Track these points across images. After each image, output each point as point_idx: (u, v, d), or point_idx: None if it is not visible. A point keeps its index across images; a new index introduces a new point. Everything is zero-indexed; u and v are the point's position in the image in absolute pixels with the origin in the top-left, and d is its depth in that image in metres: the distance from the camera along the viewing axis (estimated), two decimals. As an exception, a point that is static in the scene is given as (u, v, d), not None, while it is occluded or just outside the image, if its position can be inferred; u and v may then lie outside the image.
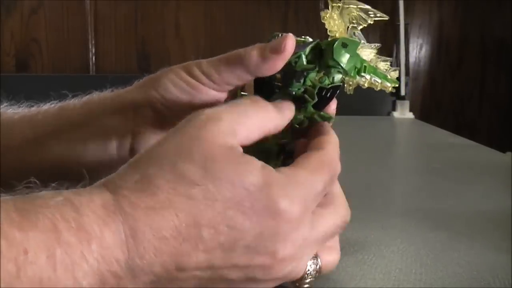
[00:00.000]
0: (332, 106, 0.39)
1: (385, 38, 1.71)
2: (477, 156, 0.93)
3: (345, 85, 0.39)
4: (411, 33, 1.74)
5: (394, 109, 1.58)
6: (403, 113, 1.56)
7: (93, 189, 0.30)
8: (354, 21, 0.40)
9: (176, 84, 0.41)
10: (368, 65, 0.39)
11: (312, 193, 0.33)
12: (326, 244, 0.36)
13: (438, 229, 0.50)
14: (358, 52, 0.38)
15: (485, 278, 0.39)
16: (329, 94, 0.38)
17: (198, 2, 1.70)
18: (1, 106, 0.50)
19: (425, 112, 1.78)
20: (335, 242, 0.38)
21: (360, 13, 0.40)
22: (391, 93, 1.61)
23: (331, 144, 0.36)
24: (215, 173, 0.31)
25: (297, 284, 0.35)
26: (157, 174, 0.30)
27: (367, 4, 0.40)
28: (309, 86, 0.38)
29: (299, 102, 0.38)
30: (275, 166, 0.33)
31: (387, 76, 0.41)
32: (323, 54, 0.38)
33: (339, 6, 0.40)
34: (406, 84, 1.61)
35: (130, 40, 1.69)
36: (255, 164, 0.32)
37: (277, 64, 0.37)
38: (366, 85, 0.40)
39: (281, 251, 0.31)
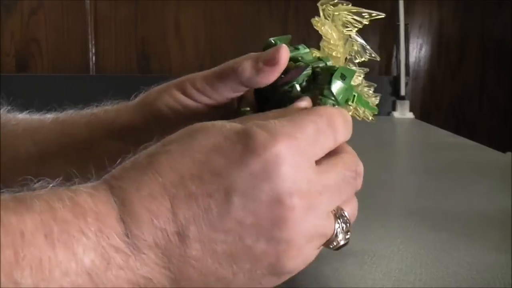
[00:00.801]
0: None
1: (385, 38, 1.71)
2: (477, 156, 0.93)
3: None
4: (411, 33, 1.74)
5: (394, 109, 1.58)
6: (403, 113, 1.56)
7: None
8: (347, 25, 0.39)
9: (171, 107, 0.41)
10: (358, 95, 0.38)
11: (300, 132, 0.30)
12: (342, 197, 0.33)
13: (438, 229, 0.50)
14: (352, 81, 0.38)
15: (485, 278, 0.39)
16: None
17: (198, 2, 1.70)
18: (1, 110, 0.50)
19: (425, 112, 1.78)
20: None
21: (353, 17, 0.39)
22: (391, 93, 1.61)
23: (327, 106, 0.34)
24: (193, 130, 0.30)
25: (334, 244, 0.32)
26: (140, 152, 0.31)
27: (367, 5, 0.40)
28: None
29: None
30: None
31: (368, 103, 0.40)
32: (317, 77, 0.37)
33: (330, 12, 0.39)
34: (406, 84, 1.61)
35: (130, 40, 1.69)
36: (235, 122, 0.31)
37: (271, 76, 0.37)
38: (350, 113, 0.39)
39: (287, 198, 0.28)
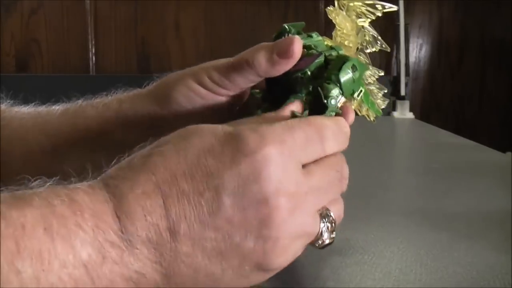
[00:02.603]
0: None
1: (385, 38, 1.71)
2: (477, 156, 0.93)
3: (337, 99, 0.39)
4: (411, 33, 1.74)
5: (394, 109, 1.58)
6: (403, 113, 1.56)
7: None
8: (361, 16, 0.40)
9: (188, 98, 0.41)
10: (365, 92, 0.39)
11: (289, 137, 0.31)
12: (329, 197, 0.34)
13: (438, 229, 0.50)
14: (363, 77, 0.38)
15: (485, 278, 0.39)
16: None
17: (198, 2, 1.70)
18: (4, 104, 0.50)
19: (425, 112, 1.78)
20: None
21: (367, 8, 0.40)
22: (391, 93, 1.61)
23: (319, 116, 0.35)
24: (187, 132, 0.32)
25: (319, 242, 0.34)
26: (135, 153, 0.32)
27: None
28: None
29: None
30: None
31: (374, 104, 0.40)
32: (328, 65, 0.38)
33: (344, 3, 0.40)
34: (406, 84, 1.61)
35: (130, 40, 1.69)
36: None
37: (285, 67, 0.38)
38: (353, 106, 0.39)
39: (273, 198, 0.30)
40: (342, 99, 0.38)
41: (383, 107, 0.41)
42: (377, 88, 0.41)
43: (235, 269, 0.30)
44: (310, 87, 0.38)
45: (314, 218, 0.33)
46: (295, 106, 0.37)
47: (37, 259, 0.26)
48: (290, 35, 0.40)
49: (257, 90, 0.42)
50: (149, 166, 0.30)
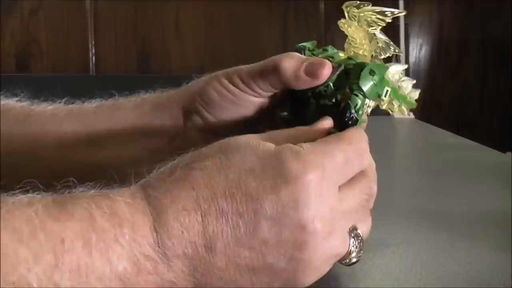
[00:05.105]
0: None
1: (385, 38, 1.71)
2: (477, 156, 0.93)
3: (364, 106, 0.40)
4: (411, 33, 1.74)
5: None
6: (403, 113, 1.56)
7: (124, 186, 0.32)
8: (372, 24, 0.40)
9: (219, 92, 0.43)
10: (392, 89, 0.40)
11: (330, 161, 0.32)
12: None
13: (438, 229, 0.50)
14: (385, 76, 0.39)
15: (485, 278, 0.39)
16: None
17: (198, 2, 1.70)
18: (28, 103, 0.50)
19: (425, 112, 1.78)
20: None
21: (377, 16, 0.40)
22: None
23: (354, 129, 0.37)
24: (228, 148, 0.32)
25: (346, 261, 0.35)
26: (177, 160, 0.32)
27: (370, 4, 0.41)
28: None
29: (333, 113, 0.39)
30: None
31: (406, 98, 0.41)
32: (349, 75, 0.39)
33: (354, 14, 0.40)
34: (406, 84, 1.61)
35: (130, 40, 1.69)
36: (270, 143, 0.33)
37: (308, 85, 0.39)
38: (384, 107, 0.41)
39: (310, 224, 0.31)
40: (370, 105, 0.39)
41: (416, 97, 0.42)
42: (405, 81, 0.42)
43: (264, 284, 0.31)
44: (333, 99, 0.39)
45: (345, 240, 0.34)
46: (327, 123, 0.38)
47: (75, 273, 0.27)
48: (306, 51, 0.42)
49: (285, 113, 0.43)
50: (190, 180, 0.31)
